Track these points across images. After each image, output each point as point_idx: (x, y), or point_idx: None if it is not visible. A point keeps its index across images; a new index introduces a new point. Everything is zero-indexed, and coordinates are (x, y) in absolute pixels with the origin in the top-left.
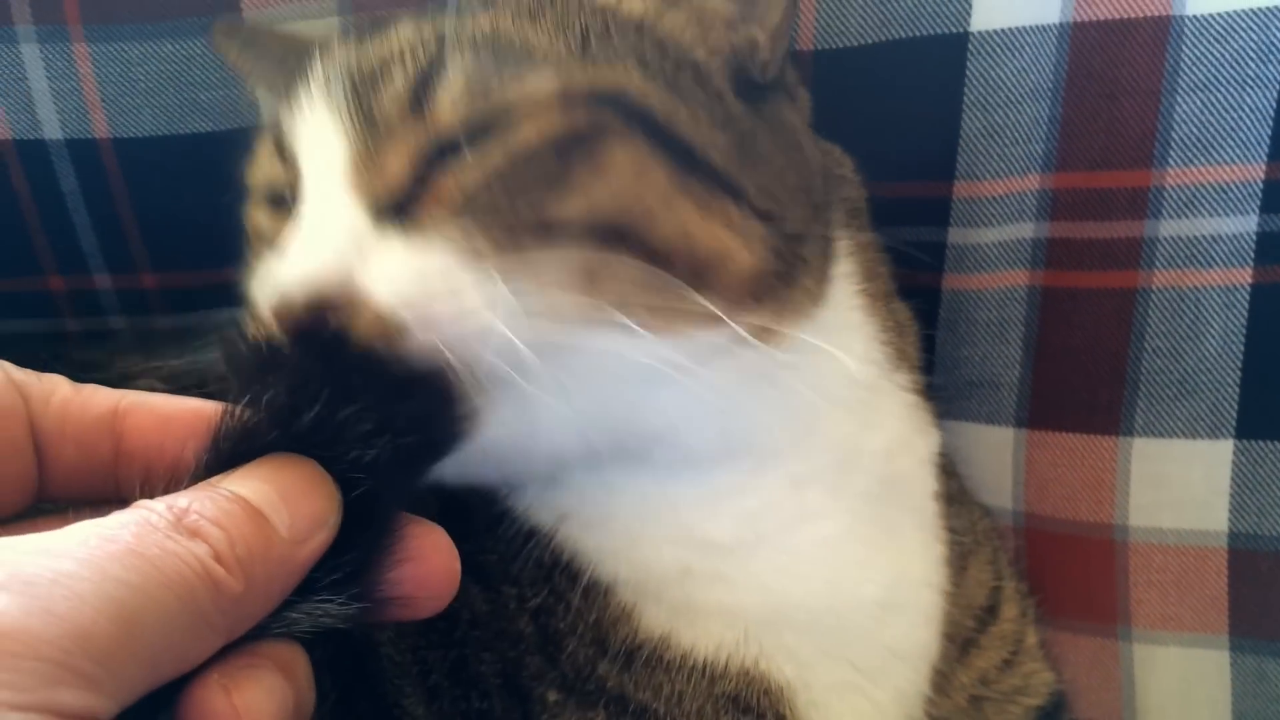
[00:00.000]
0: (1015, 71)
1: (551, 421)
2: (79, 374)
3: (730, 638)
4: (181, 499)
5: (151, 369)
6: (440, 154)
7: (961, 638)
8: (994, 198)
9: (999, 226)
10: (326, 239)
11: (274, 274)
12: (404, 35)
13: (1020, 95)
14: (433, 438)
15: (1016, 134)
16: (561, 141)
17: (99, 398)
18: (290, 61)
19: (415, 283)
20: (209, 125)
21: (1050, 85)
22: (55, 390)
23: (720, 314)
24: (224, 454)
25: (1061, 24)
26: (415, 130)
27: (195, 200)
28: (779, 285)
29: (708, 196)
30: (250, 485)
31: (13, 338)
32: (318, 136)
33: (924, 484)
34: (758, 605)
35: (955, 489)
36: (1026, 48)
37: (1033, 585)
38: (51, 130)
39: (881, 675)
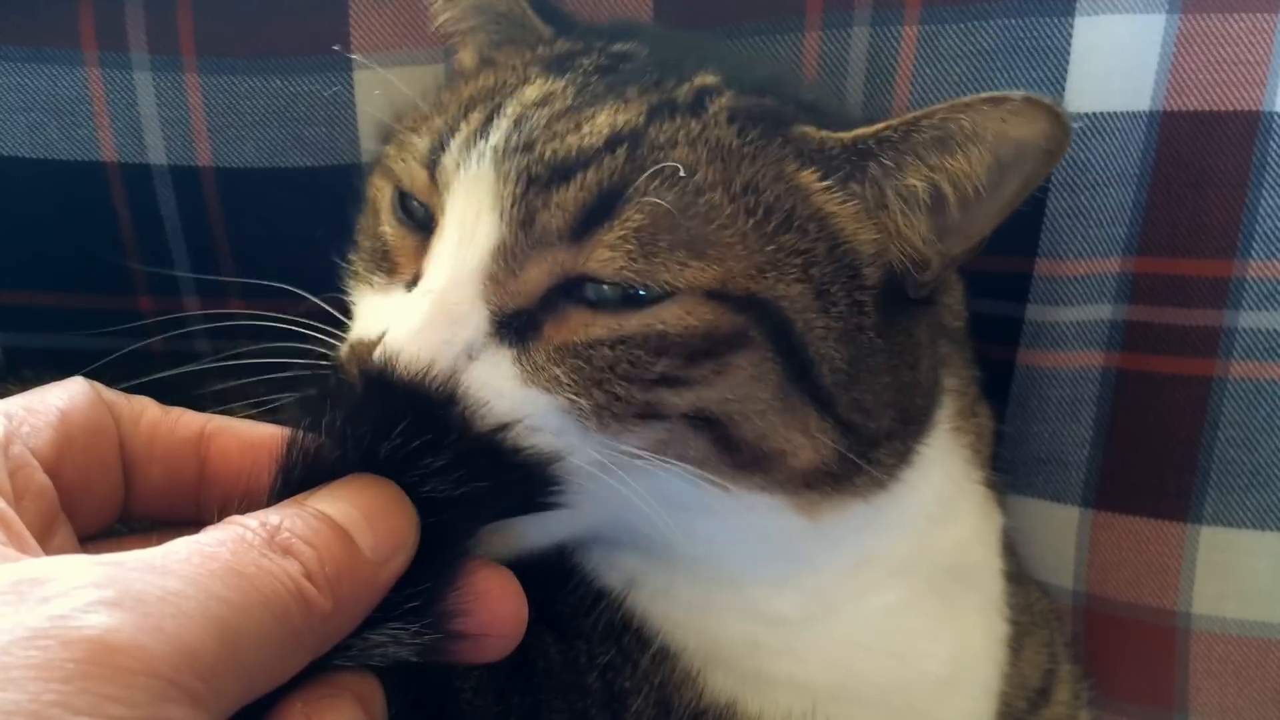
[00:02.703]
0: (1103, 155)
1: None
2: (167, 397)
3: (799, 709)
4: (273, 516)
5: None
6: (579, 289)
7: (1013, 718)
8: (1075, 278)
9: (1078, 306)
10: (441, 330)
11: (383, 324)
12: (600, 129)
13: (1107, 179)
14: (515, 497)
15: (1101, 216)
16: (699, 341)
17: (186, 420)
18: (507, 29)
19: (514, 414)
20: (309, 160)
21: (1137, 171)
22: (144, 411)
23: (762, 493)
24: (296, 478)
25: (1152, 112)
26: (567, 256)
27: (290, 232)
28: (829, 482)
29: (799, 405)
30: (336, 505)
31: (98, 354)
32: (472, 202)
33: (992, 566)
34: (827, 679)
35: (1014, 568)
36: (1116, 133)
37: (1089, 667)
38: (156, 156)
39: None
